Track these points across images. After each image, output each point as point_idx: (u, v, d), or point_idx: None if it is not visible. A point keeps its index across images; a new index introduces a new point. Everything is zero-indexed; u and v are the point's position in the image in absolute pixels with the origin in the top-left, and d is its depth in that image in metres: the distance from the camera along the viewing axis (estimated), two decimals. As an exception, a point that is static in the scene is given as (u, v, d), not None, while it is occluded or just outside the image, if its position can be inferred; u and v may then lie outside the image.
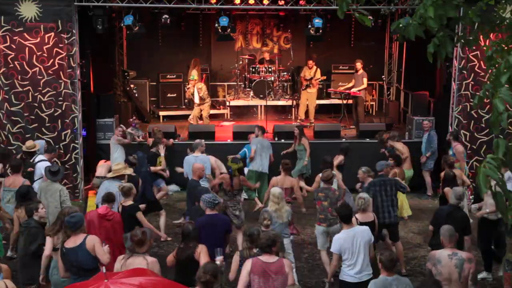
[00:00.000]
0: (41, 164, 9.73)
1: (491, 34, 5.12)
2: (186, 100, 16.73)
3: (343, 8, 4.71)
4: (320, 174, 8.84)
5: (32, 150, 10.39)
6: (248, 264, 5.96)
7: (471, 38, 4.94)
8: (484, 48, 5.05)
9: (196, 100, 14.77)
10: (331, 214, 8.43)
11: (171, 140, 12.45)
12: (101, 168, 11.03)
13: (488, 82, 4.03)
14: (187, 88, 15.20)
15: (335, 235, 7.11)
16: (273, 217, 7.51)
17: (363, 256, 6.78)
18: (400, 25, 4.69)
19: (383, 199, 8.72)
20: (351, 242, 6.77)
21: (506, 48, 4.31)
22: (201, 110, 14.91)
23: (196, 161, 10.15)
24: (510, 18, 4.92)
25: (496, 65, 3.18)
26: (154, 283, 4.79)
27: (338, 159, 10.63)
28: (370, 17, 13.39)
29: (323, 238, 8.54)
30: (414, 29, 4.48)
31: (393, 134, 12.23)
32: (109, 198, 7.62)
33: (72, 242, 6.34)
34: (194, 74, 15.17)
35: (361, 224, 7.52)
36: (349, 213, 7.05)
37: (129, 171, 9.28)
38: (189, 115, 15.52)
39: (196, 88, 14.72)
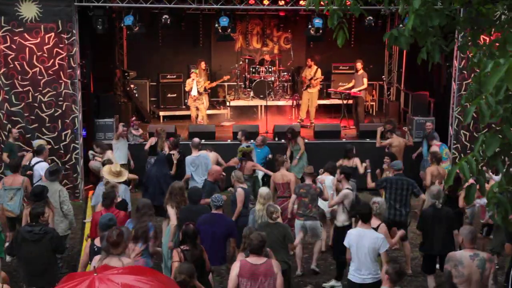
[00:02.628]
0: (39, 165, 9.77)
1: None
2: (186, 100, 16.80)
3: (334, 20, 4.87)
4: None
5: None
6: (236, 267, 5.89)
7: (464, 43, 5.05)
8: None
9: (194, 92, 14.79)
10: (310, 210, 8.62)
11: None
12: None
13: (472, 83, 4.17)
14: (189, 81, 15.17)
15: (349, 230, 7.13)
16: (260, 217, 7.62)
17: (369, 259, 6.75)
18: (395, 33, 4.79)
19: (396, 198, 8.78)
20: (357, 241, 6.78)
21: (495, 48, 4.43)
22: (197, 110, 14.98)
23: (198, 159, 10.27)
24: (501, 19, 5.05)
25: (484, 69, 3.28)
26: (144, 284, 4.56)
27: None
28: (370, 18, 13.59)
29: (301, 232, 8.70)
30: (405, 40, 4.60)
31: (392, 125, 12.31)
32: (111, 199, 7.64)
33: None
34: (199, 70, 15.30)
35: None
36: (368, 212, 7.03)
37: (122, 178, 9.13)
38: (189, 115, 15.63)
39: (196, 81, 14.82)
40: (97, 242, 6.52)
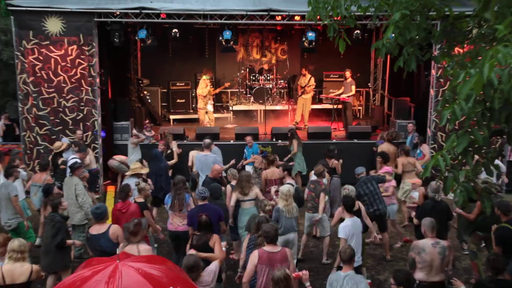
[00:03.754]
0: (72, 161, 9.82)
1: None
2: (193, 105, 16.84)
3: (331, 32, 4.95)
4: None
5: (60, 150, 10.60)
6: (255, 256, 5.83)
7: (440, 53, 5.11)
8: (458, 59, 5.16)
9: (199, 91, 14.81)
10: (318, 203, 8.63)
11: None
12: (118, 157, 11.97)
13: (447, 91, 4.24)
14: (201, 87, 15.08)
15: (342, 223, 7.10)
16: (283, 212, 7.51)
17: (360, 243, 6.86)
18: (379, 45, 4.87)
19: (371, 194, 8.73)
20: (355, 228, 6.87)
21: (467, 60, 4.49)
22: (206, 113, 14.97)
23: (206, 158, 10.30)
24: (474, 33, 5.11)
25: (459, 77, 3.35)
26: (161, 273, 4.57)
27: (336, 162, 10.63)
28: (358, 31, 13.62)
29: (308, 223, 8.76)
30: (387, 49, 4.68)
31: (396, 135, 12.32)
32: (126, 193, 7.71)
33: (97, 229, 6.50)
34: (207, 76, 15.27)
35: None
36: (352, 203, 7.12)
37: (145, 170, 9.41)
38: (196, 119, 15.66)
39: (205, 82, 14.87)
40: (92, 230, 6.59)
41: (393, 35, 4.73)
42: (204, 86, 14.82)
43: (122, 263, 4.51)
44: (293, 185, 8.49)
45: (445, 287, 6.20)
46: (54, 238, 7.02)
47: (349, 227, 6.86)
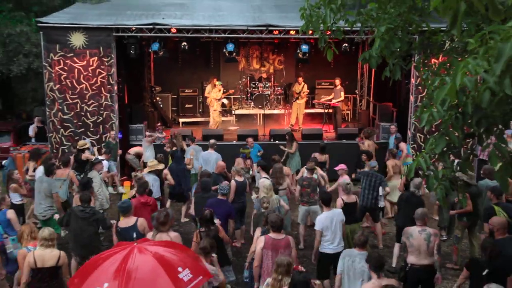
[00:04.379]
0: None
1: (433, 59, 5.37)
2: (200, 110, 16.89)
3: (322, 43, 5.01)
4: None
5: (84, 147, 10.65)
6: (261, 241, 5.88)
7: (418, 63, 5.17)
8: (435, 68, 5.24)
9: (214, 95, 14.84)
10: (312, 197, 8.59)
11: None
12: (133, 150, 11.99)
13: (425, 99, 4.30)
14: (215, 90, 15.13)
15: (318, 215, 7.07)
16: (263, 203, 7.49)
17: (339, 233, 6.80)
18: (366, 56, 4.93)
19: (370, 189, 8.70)
20: (331, 221, 6.76)
21: (444, 69, 4.55)
22: (219, 113, 15.00)
23: (211, 156, 10.33)
24: (447, 46, 5.19)
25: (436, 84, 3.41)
26: (172, 255, 4.60)
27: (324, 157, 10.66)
28: (346, 44, 13.67)
29: (304, 215, 8.75)
30: (375, 60, 4.74)
31: (371, 132, 12.28)
32: (144, 188, 7.74)
33: (125, 223, 6.49)
34: (211, 85, 15.36)
35: (346, 204, 7.61)
36: (329, 198, 7.07)
37: (161, 166, 9.43)
38: (202, 121, 15.71)
39: (218, 87, 14.98)
40: (120, 224, 6.53)
41: (379, 46, 4.78)
42: (217, 91, 14.93)
43: (139, 246, 4.58)
44: (268, 179, 8.54)
45: (434, 269, 6.23)
46: (96, 229, 7.06)
47: (322, 221, 6.80)
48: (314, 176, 8.91)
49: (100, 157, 10.25)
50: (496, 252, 5.56)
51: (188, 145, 11.37)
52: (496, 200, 7.20)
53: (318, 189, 8.75)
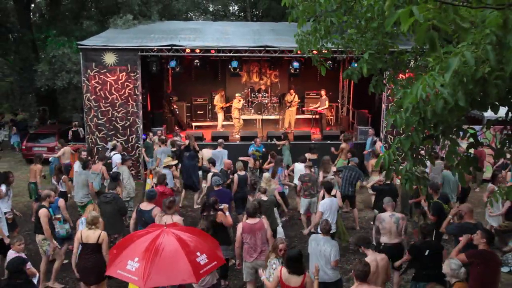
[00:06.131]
0: (115, 156, 9.97)
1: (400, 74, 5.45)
2: (209, 115, 16.90)
3: (315, 62, 5.07)
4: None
5: (113, 147, 10.71)
6: (240, 227, 5.83)
7: (389, 78, 5.24)
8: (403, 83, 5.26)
9: (235, 105, 14.66)
10: (313, 190, 8.45)
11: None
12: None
13: (392, 106, 4.38)
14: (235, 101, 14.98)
15: (322, 200, 7.12)
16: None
17: (334, 218, 6.90)
18: (349, 73, 4.99)
19: (349, 180, 8.72)
20: (331, 205, 6.88)
21: (409, 82, 4.62)
22: (238, 120, 14.83)
23: (219, 153, 10.32)
24: (412, 64, 5.26)
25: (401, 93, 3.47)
26: (192, 240, 4.56)
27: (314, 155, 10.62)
28: (330, 62, 13.69)
29: (306, 207, 8.55)
30: (357, 76, 4.79)
31: (349, 136, 12.25)
32: (163, 179, 7.85)
33: (145, 206, 6.56)
34: (219, 95, 15.15)
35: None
36: (331, 186, 7.18)
37: (174, 162, 9.47)
38: (211, 125, 15.65)
39: (238, 98, 14.79)
40: (142, 206, 6.54)
41: (360, 67, 4.81)
42: (237, 101, 14.83)
43: (167, 229, 4.61)
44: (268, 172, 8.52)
45: (402, 247, 6.26)
46: (119, 212, 7.07)
47: (327, 204, 6.87)
48: (313, 170, 8.92)
49: (115, 153, 10.18)
50: (428, 230, 5.47)
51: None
52: (436, 196, 7.08)
53: (317, 183, 8.68)
